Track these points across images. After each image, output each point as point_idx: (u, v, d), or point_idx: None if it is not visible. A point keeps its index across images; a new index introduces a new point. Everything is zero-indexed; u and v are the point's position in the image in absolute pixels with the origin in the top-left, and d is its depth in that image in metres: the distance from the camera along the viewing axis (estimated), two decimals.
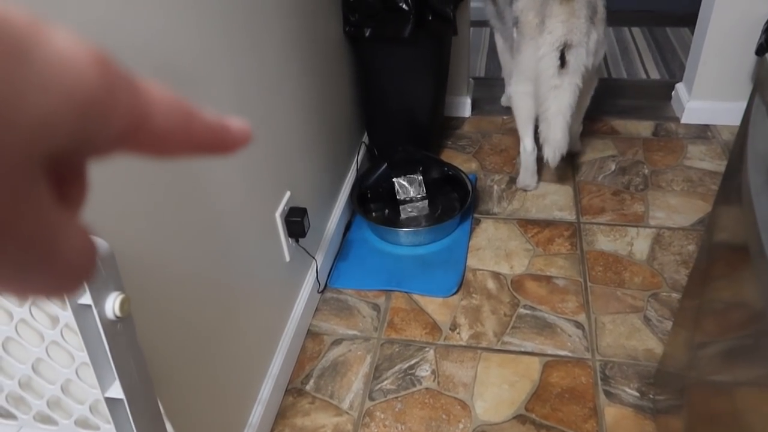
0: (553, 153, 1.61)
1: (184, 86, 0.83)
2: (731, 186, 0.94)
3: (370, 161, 1.89)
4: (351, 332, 1.39)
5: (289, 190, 1.26)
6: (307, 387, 1.27)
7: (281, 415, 1.21)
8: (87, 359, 0.63)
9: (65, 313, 0.62)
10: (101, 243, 0.60)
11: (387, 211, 1.72)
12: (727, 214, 0.96)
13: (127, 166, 0.71)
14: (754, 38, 1.85)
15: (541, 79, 1.53)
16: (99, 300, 0.60)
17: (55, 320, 0.66)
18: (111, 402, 0.65)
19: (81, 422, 0.72)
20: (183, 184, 0.84)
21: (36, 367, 0.70)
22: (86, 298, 0.59)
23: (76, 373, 0.68)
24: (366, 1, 1.50)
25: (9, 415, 0.73)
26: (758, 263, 0.71)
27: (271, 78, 1.14)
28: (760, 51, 1.62)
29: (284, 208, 1.22)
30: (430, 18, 1.50)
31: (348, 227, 1.70)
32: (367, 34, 1.55)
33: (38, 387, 0.71)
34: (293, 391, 1.26)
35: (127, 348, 0.64)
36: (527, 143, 1.75)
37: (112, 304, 0.61)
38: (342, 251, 1.61)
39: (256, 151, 1.08)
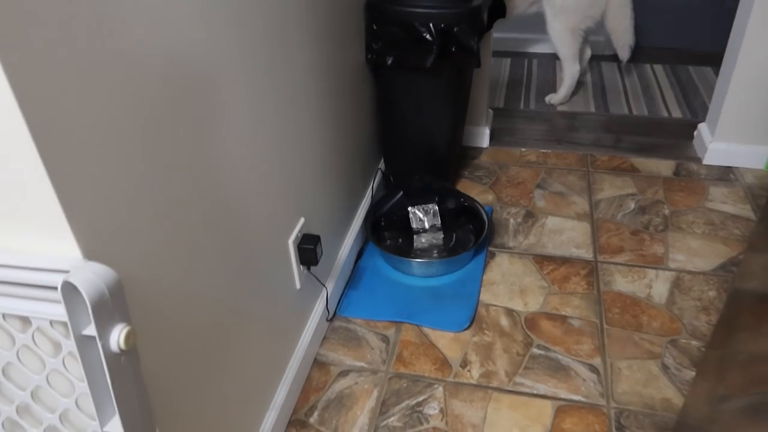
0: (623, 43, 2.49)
1: (205, 104, 0.82)
2: (764, 233, 0.91)
3: (385, 188, 1.87)
4: (359, 364, 1.36)
5: (303, 216, 1.24)
6: (311, 419, 1.23)
7: None
8: (87, 390, 0.60)
9: (68, 342, 0.60)
10: (109, 272, 0.58)
11: (400, 240, 1.70)
12: (759, 261, 0.92)
13: (138, 189, 0.69)
14: None
15: None
16: (103, 332, 0.57)
17: (58, 347, 0.64)
18: None
19: None
20: (197, 209, 0.82)
21: (35, 394, 0.68)
22: (90, 329, 0.57)
23: (76, 403, 0.65)
24: (390, 30, 1.49)
25: None
26: None
27: (290, 102, 1.13)
28: None
29: (297, 234, 1.20)
30: (453, 49, 1.49)
31: (360, 255, 1.68)
32: (390, 62, 1.54)
33: (37, 414, 0.68)
34: (296, 422, 1.23)
35: (129, 382, 0.62)
36: (578, 66, 2.40)
37: (117, 336, 0.58)
38: (353, 279, 1.59)
39: (272, 176, 1.07)
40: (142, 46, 0.67)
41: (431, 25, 1.45)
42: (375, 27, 1.52)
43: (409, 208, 1.68)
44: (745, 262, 0.94)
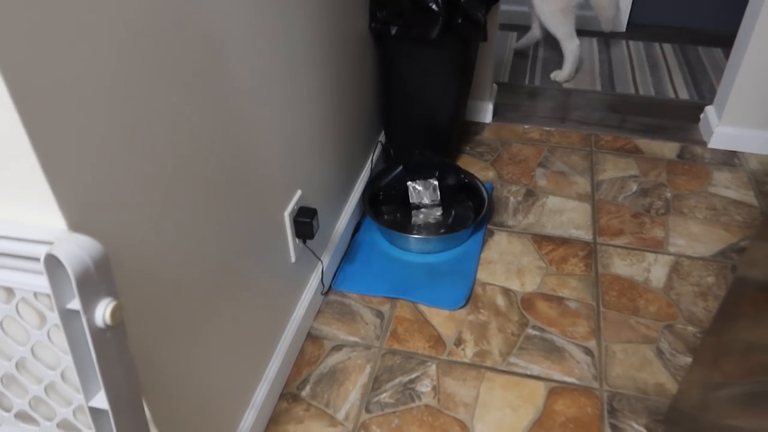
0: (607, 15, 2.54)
1: (201, 67, 0.78)
2: None
3: (384, 162, 1.84)
4: (352, 339, 1.35)
5: (300, 189, 1.21)
6: (303, 393, 1.23)
7: (274, 420, 1.17)
8: (72, 364, 0.59)
9: (52, 315, 0.58)
10: (94, 244, 0.56)
11: (398, 215, 1.68)
12: (763, 250, 0.90)
13: (127, 156, 0.67)
14: None
15: None
16: (88, 306, 0.55)
17: (43, 319, 0.62)
18: (95, 411, 0.61)
19: (63, 425, 0.68)
20: (189, 178, 0.80)
21: (21, 365, 0.66)
22: (74, 303, 0.55)
23: (62, 376, 0.64)
24: None
25: None
26: None
27: (290, 69, 1.09)
28: None
29: (294, 207, 1.18)
30: (459, 21, 1.44)
31: (357, 228, 1.66)
32: (393, 32, 1.50)
33: (22, 385, 0.67)
34: (288, 396, 1.22)
35: (116, 357, 0.60)
36: (576, 42, 2.36)
37: (103, 311, 0.56)
38: (349, 253, 1.57)
39: (269, 145, 1.04)
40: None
41: None
42: None
43: (409, 183, 1.66)
44: (750, 251, 0.92)
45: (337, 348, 1.33)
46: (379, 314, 1.41)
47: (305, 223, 1.19)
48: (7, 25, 0.47)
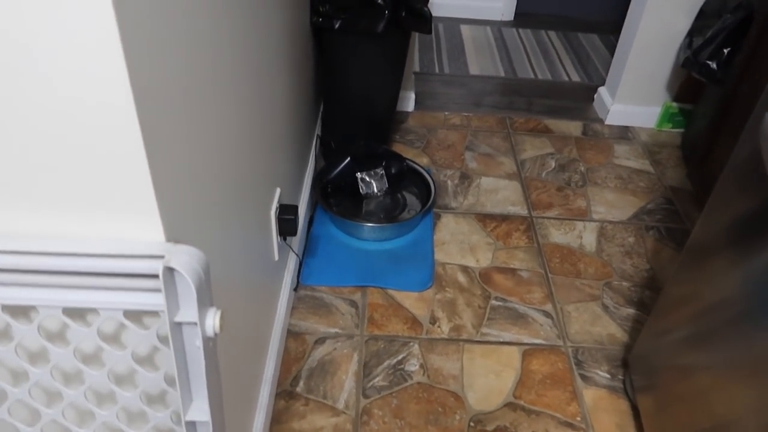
0: None
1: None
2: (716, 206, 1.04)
3: (322, 155, 1.86)
4: (332, 330, 1.37)
5: (278, 186, 1.21)
6: (298, 389, 1.24)
7: (276, 420, 1.18)
8: (175, 375, 0.58)
9: (149, 331, 0.57)
10: (200, 254, 0.55)
11: (348, 205, 1.71)
12: (709, 223, 1.05)
13: (199, 164, 0.65)
14: (673, 49, 2.05)
15: None
16: (202, 317, 0.55)
17: (148, 332, 0.60)
18: (194, 425, 0.60)
19: None
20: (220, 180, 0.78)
21: (121, 380, 0.63)
22: (189, 315, 0.54)
23: (162, 388, 0.62)
24: None
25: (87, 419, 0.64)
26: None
27: (253, 63, 1.09)
28: (686, 64, 1.81)
29: (276, 205, 1.18)
30: (403, 14, 1.50)
31: (310, 222, 1.67)
32: (337, 26, 1.52)
33: (123, 400, 0.63)
34: (284, 394, 1.23)
35: (215, 365, 0.60)
36: None
37: (212, 320, 0.56)
38: (308, 247, 1.58)
39: (247, 145, 1.03)
40: None
41: None
42: None
43: (358, 174, 1.70)
44: (700, 223, 1.07)
45: (320, 341, 1.35)
46: (353, 303, 1.44)
47: (289, 220, 1.19)
48: (142, 41, 0.46)
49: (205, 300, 0.55)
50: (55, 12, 0.41)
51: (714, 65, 1.68)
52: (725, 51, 1.67)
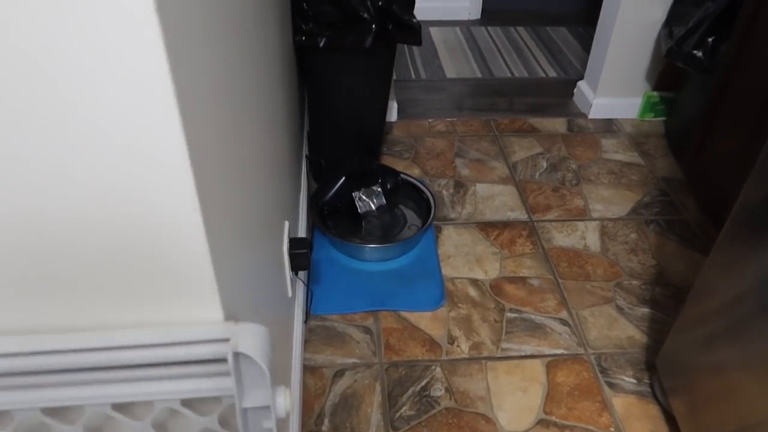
0: None
1: None
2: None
3: (313, 174, 1.80)
4: (350, 361, 1.32)
5: (287, 220, 1.15)
6: (323, 428, 1.18)
7: None
8: None
9: (218, 412, 0.51)
10: (263, 331, 0.50)
11: (347, 226, 1.66)
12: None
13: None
14: (650, 38, 2.06)
15: None
16: (273, 398, 0.49)
17: (207, 419, 0.54)
18: None
19: None
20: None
21: None
22: (262, 399, 0.49)
23: None
24: (324, 10, 1.41)
25: None
26: None
27: (261, 89, 1.03)
28: (669, 54, 1.81)
29: (287, 240, 1.12)
30: (390, 27, 1.45)
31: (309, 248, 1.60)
32: (322, 44, 1.47)
33: None
34: None
35: None
36: None
37: (283, 400, 0.51)
38: (312, 275, 1.52)
39: (264, 184, 0.97)
40: None
41: (368, 1, 1.40)
42: (305, 5, 1.43)
43: (354, 193, 1.64)
44: (740, 201, 1.03)
45: (339, 374, 1.29)
46: (366, 330, 1.39)
47: (300, 255, 1.13)
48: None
49: (274, 380, 0.50)
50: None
51: (700, 54, 1.69)
52: (710, 40, 1.67)
